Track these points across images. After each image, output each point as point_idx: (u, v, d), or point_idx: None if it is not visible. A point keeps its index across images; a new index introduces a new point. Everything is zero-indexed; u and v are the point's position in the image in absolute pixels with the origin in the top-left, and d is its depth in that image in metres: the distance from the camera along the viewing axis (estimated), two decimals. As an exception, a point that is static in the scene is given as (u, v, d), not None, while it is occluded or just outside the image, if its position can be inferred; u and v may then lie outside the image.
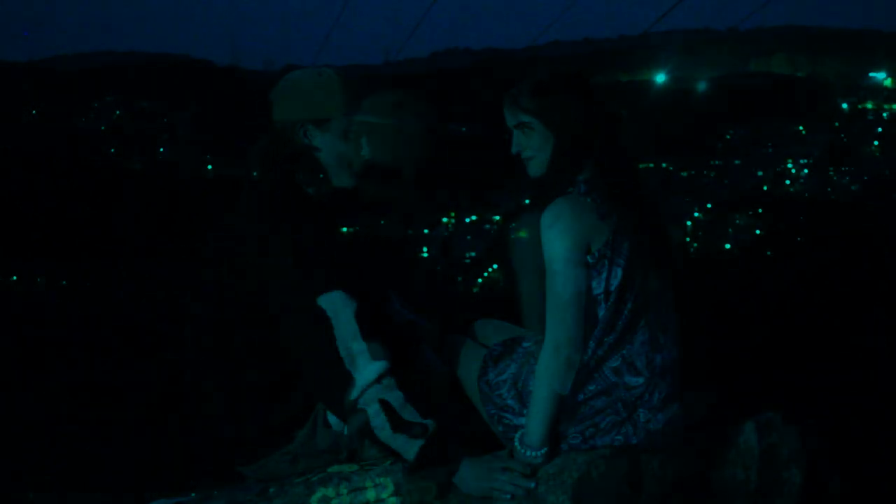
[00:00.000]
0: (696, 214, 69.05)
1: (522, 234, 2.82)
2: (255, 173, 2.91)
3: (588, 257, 2.63)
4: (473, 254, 60.63)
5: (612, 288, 2.65)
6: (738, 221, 65.35)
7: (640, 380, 2.73)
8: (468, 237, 64.73)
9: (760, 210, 66.85)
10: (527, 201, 2.78)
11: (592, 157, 2.69)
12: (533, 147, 2.72)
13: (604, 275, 2.65)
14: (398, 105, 2.99)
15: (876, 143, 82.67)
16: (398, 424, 2.58)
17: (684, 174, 77.83)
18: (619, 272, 2.65)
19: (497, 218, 63.71)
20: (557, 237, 2.60)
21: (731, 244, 58.78)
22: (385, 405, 2.58)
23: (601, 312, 2.67)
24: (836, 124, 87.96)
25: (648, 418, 2.75)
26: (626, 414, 2.73)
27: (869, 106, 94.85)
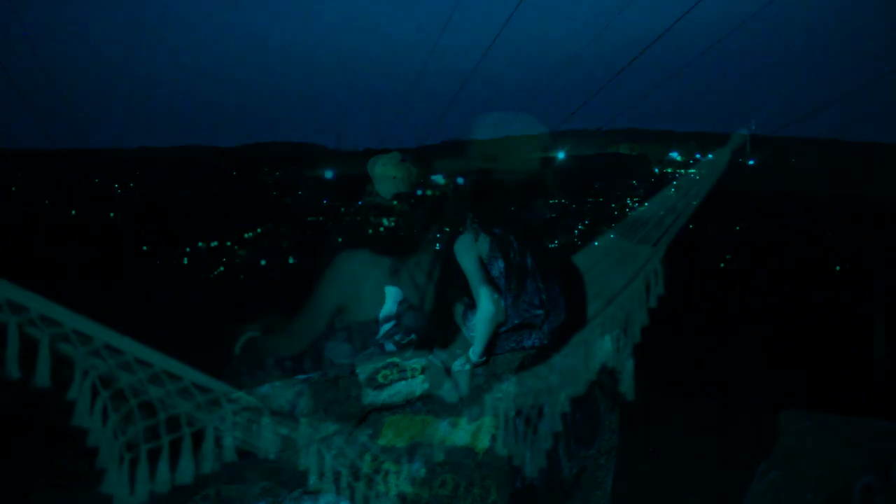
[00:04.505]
0: (580, 227, 69.87)
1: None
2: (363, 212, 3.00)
3: (483, 259, 2.79)
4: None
5: (501, 270, 2.79)
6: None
7: (540, 311, 2.82)
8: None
9: (613, 224, 67.07)
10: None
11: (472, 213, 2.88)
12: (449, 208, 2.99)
13: (494, 266, 2.80)
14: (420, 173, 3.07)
15: (672, 190, 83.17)
16: (399, 346, 2.86)
17: (574, 206, 77.77)
18: (501, 262, 2.79)
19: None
20: (462, 252, 2.79)
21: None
22: (393, 340, 2.85)
23: (502, 283, 2.79)
24: (652, 180, 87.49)
25: (549, 329, 2.83)
26: (538, 328, 2.81)
27: (668, 170, 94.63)
